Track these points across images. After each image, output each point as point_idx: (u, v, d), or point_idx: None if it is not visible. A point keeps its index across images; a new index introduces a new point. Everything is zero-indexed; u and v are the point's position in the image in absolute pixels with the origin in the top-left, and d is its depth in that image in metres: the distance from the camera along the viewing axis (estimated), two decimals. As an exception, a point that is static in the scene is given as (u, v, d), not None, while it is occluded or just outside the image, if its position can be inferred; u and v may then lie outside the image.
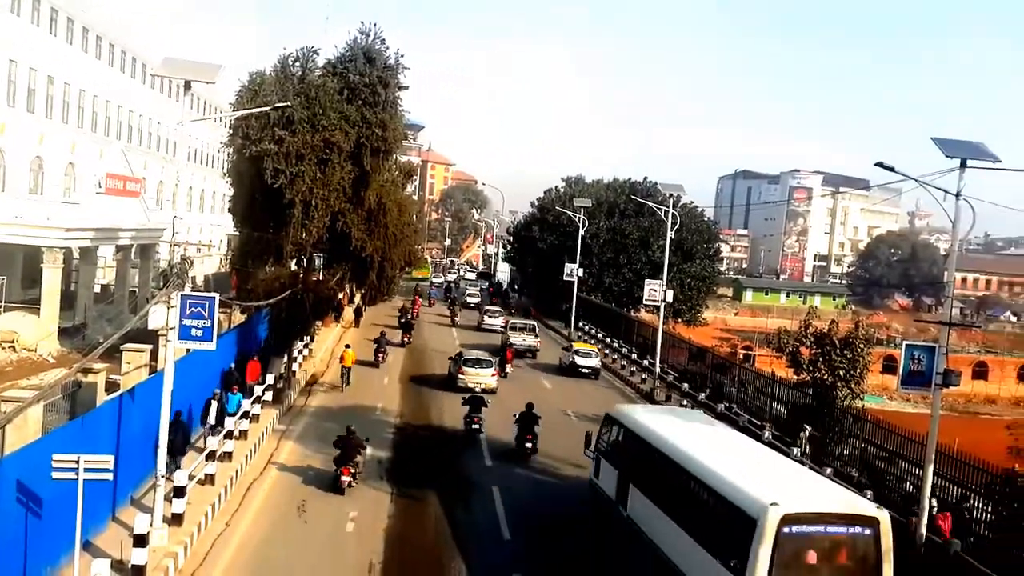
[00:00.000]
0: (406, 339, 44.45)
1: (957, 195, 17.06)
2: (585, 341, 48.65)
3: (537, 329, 47.51)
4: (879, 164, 18.22)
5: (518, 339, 44.05)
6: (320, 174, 27.72)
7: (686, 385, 35.85)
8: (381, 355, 37.45)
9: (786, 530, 12.65)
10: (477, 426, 26.00)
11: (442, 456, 24.68)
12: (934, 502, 18.19)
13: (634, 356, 44.84)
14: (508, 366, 37.59)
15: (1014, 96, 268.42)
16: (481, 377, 32.47)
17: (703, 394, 33.69)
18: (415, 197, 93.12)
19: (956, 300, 28.03)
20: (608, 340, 50.37)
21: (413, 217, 51.05)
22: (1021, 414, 67.79)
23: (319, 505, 19.51)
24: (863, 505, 13.93)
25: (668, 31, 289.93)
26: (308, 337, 35.80)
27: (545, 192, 75.65)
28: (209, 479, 19.07)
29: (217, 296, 16.69)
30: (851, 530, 13.13)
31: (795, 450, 23.46)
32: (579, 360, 40.27)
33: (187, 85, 17.16)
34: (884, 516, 13.30)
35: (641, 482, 17.41)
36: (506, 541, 18.42)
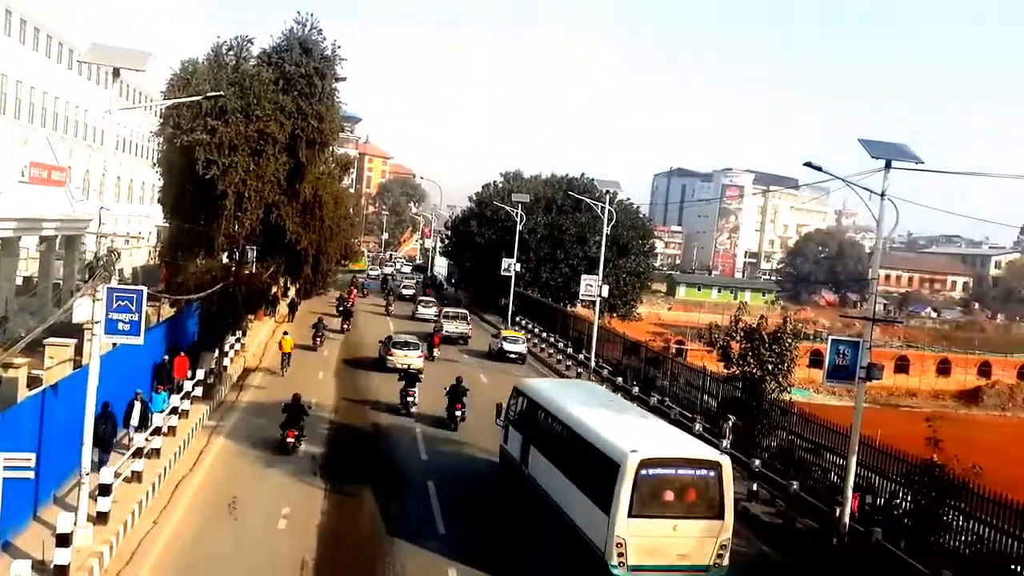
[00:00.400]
0: (345, 326, 46.66)
1: (882, 195, 17.63)
2: (513, 329, 49.98)
3: (468, 317, 49.52)
4: (808, 164, 18.71)
5: (451, 327, 46.53)
6: (254, 165, 27.19)
7: (620, 379, 36.26)
8: (319, 339, 39.79)
9: (644, 472, 14.95)
10: (412, 398, 28.39)
11: (377, 450, 24.63)
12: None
13: (570, 350, 45.37)
14: (436, 350, 40.27)
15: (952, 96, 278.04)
16: (409, 359, 34.32)
17: (636, 387, 34.10)
18: (352, 190, 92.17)
19: (880, 296, 28.95)
20: (545, 335, 50.73)
21: (350, 210, 50.33)
22: (940, 406, 70.64)
23: (251, 502, 19.22)
24: (708, 451, 16.39)
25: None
26: (240, 331, 35.33)
27: (483, 187, 75.61)
28: (136, 476, 18.62)
29: (145, 289, 16.32)
30: (698, 472, 15.47)
31: (724, 442, 24.04)
32: (506, 346, 42.91)
33: (116, 72, 16.72)
34: (726, 460, 15.67)
35: (539, 443, 19.69)
36: (442, 535, 18.41)
